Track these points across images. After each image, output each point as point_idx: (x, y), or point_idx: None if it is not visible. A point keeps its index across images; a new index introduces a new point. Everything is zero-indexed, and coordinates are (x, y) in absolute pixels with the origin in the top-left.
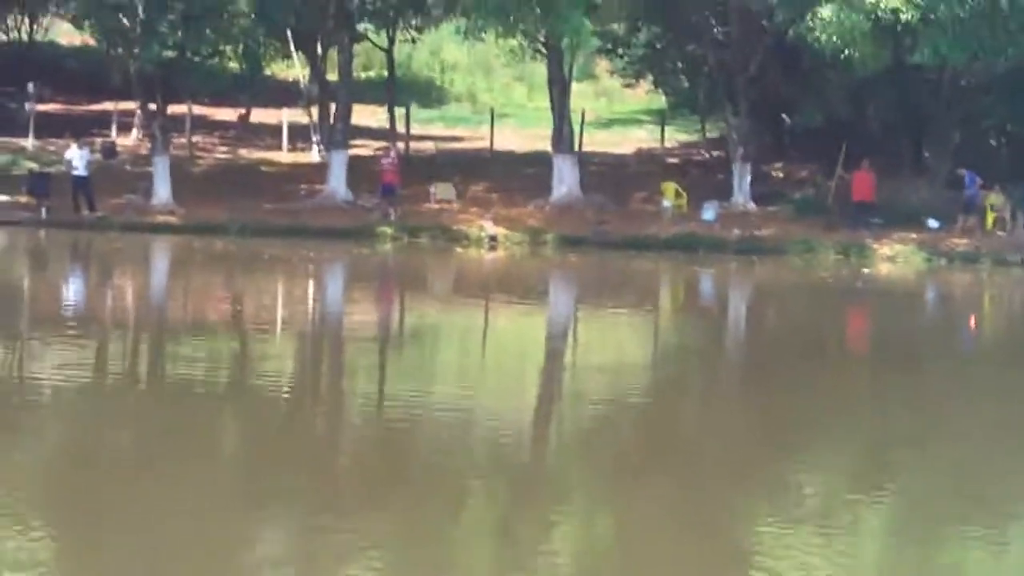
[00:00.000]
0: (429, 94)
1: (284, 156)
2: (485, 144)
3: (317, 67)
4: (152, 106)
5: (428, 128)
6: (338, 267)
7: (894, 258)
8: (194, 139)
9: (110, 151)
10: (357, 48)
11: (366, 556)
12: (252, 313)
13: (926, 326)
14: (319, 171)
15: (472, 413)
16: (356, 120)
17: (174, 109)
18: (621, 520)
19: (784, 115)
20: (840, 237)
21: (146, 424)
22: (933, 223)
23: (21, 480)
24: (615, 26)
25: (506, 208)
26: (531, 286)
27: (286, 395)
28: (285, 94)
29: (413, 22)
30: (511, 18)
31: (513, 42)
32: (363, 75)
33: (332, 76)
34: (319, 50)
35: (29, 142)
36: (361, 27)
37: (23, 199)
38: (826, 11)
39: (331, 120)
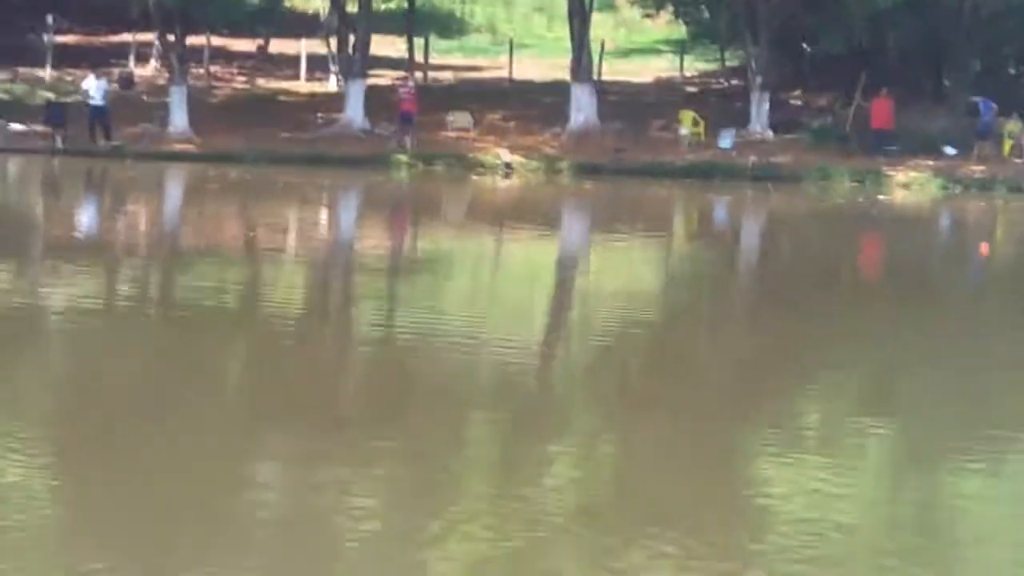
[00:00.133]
0: (449, 25)
1: (302, 86)
2: (504, 74)
3: None
4: (171, 37)
5: (447, 59)
6: (351, 194)
7: (909, 185)
8: (212, 70)
9: (127, 81)
10: None
11: (364, 480)
12: (262, 240)
13: (937, 253)
14: (337, 101)
15: (480, 340)
16: (375, 51)
17: (192, 40)
18: (624, 450)
19: (804, 44)
20: (856, 164)
21: (152, 349)
22: (950, 150)
23: (25, 407)
24: None
25: (523, 136)
26: (544, 213)
27: (293, 322)
28: (304, 25)
29: None
30: None
31: None
32: (383, 6)
33: (352, 8)
34: None
35: (47, 73)
36: None
37: (40, 128)
38: None
39: (350, 51)
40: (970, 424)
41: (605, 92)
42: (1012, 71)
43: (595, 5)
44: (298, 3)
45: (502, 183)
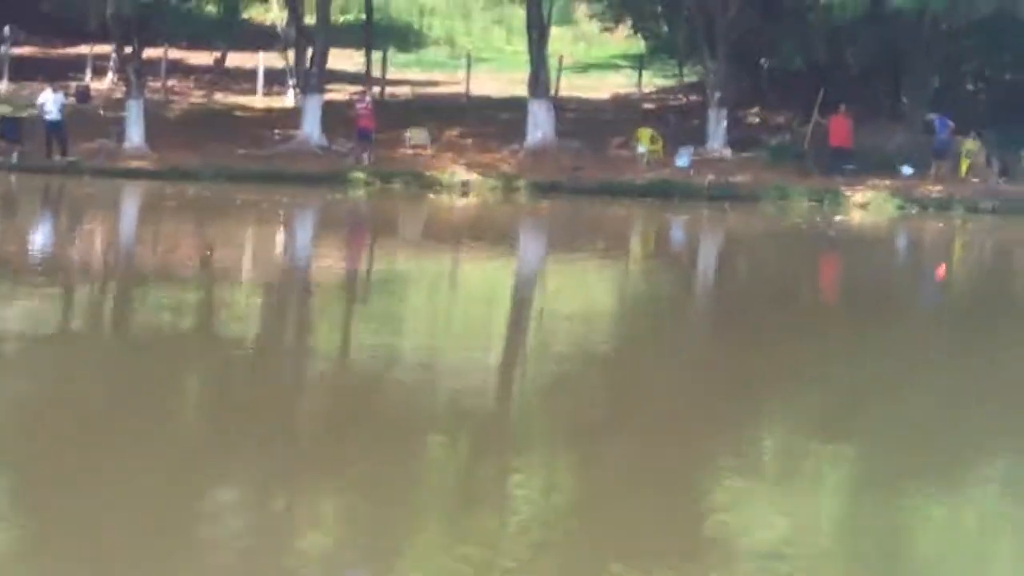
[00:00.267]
0: (407, 38)
1: (259, 101)
2: (462, 89)
3: (295, 10)
4: (128, 49)
5: (405, 73)
6: (309, 213)
7: (867, 205)
8: (169, 83)
9: (84, 95)
10: None
11: (318, 509)
12: (220, 259)
13: (894, 275)
14: (294, 116)
15: (436, 362)
16: (333, 64)
17: (150, 53)
18: (582, 474)
19: (762, 59)
20: (814, 183)
21: (108, 373)
22: (907, 170)
23: None
24: None
25: (480, 154)
26: (501, 233)
27: (251, 344)
28: (262, 38)
29: None
30: None
31: None
32: (341, 18)
33: (310, 20)
34: None
35: (3, 86)
36: None
37: None
38: None
39: (307, 64)
40: (928, 448)
41: (563, 108)
42: (971, 87)
43: (554, 19)
44: (256, 15)
45: (459, 202)
